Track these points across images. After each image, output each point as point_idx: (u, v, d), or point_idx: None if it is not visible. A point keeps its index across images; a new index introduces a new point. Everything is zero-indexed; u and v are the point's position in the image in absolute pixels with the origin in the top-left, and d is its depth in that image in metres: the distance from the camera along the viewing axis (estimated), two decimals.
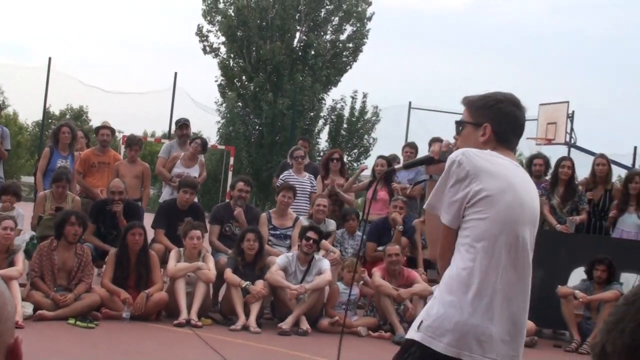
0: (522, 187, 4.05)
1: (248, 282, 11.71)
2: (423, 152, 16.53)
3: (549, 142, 22.26)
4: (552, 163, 14.80)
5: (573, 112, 23.10)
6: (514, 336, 4.05)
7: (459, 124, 4.38)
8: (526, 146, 27.28)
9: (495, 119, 4.21)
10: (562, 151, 21.59)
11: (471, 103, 4.34)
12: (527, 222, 4.04)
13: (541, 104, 22.99)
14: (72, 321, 10.67)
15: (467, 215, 3.94)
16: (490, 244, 3.90)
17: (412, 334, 4.06)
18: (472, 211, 3.92)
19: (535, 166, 14.81)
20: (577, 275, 12.94)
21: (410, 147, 15.74)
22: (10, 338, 1.36)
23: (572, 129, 22.92)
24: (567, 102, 22.57)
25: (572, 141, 22.85)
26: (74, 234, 11.25)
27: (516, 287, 3.98)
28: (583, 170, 15.13)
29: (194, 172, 14.54)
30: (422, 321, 4.05)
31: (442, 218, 4.00)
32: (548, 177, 14.52)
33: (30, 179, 30.77)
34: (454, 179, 3.93)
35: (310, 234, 12.05)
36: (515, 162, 4.20)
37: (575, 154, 21.00)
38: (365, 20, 41.32)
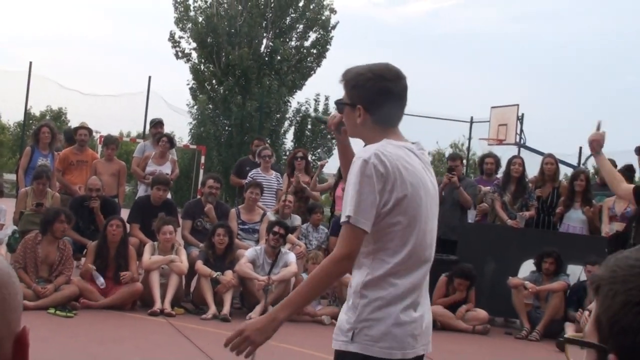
0: (426, 179, 3.80)
1: (218, 273, 11.72)
2: None
3: (500, 142, 22.40)
4: (504, 162, 14.90)
5: (523, 114, 23.30)
6: (428, 323, 3.88)
7: (337, 103, 3.97)
8: (479, 146, 27.47)
9: (368, 99, 3.75)
10: (512, 151, 21.71)
11: (347, 81, 3.86)
12: (434, 214, 3.94)
13: (493, 107, 23.16)
14: (52, 311, 10.62)
15: (384, 219, 3.62)
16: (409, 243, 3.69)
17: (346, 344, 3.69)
18: (389, 215, 3.62)
19: (486, 165, 14.94)
20: (527, 267, 13.01)
21: None
22: (18, 327, 1.35)
23: (521, 130, 23.09)
24: (517, 105, 22.72)
25: (522, 142, 23.00)
26: (62, 230, 11.28)
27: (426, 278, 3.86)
28: (532, 169, 15.22)
29: (166, 169, 14.52)
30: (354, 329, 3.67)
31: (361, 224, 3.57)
32: (499, 175, 14.62)
33: (12, 177, 30.53)
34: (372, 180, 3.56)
35: (277, 228, 12.08)
36: (408, 145, 3.79)
37: (524, 154, 21.10)
38: (330, 28, 41.36)
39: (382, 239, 3.66)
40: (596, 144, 6.10)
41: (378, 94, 3.75)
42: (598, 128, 6.14)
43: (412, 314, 3.69)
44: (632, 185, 6.85)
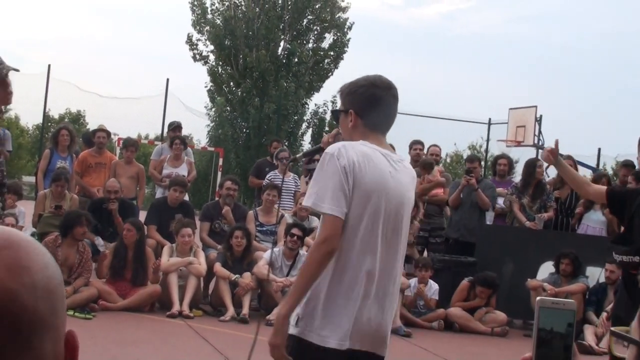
0: (390, 179, 3.98)
1: (237, 276, 11.73)
2: (400, 154, 16.55)
3: (519, 144, 22.31)
4: (522, 164, 14.85)
5: (541, 115, 23.19)
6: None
7: (333, 113, 4.36)
8: (497, 148, 27.38)
9: (358, 104, 4.09)
10: (530, 153, 21.68)
11: (342, 91, 4.25)
12: (392, 211, 4.00)
13: (511, 108, 23.05)
14: (70, 312, 10.63)
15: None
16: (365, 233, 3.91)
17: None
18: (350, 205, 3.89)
19: (499, 166, 14.92)
20: (546, 269, 12.98)
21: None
22: (65, 329, 1.37)
23: (540, 132, 22.99)
24: (535, 106, 22.60)
25: (540, 143, 22.89)
26: (82, 233, 11.34)
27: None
28: (550, 170, 15.16)
29: (182, 171, 14.57)
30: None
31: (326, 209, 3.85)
32: (512, 177, 14.59)
33: (31, 179, 30.67)
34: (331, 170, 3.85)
35: (295, 230, 12.09)
36: (385, 150, 4.06)
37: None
38: (346, 30, 41.35)
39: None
40: (552, 155, 6.16)
41: (368, 100, 4.07)
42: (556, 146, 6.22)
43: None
44: (604, 187, 6.79)
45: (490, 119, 29.44)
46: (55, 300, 1.30)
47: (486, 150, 32.36)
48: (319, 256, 3.86)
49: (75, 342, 1.38)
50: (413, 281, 12.56)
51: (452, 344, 11.66)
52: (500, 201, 14.24)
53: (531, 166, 14.02)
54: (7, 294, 1.22)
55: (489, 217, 14.45)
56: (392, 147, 4.21)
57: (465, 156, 33.50)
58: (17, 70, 5.75)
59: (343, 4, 41.71)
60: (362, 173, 3.86)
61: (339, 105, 4.34)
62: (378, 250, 3.93)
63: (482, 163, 22.44)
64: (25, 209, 13.23)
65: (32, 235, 12.40)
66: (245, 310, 11.50)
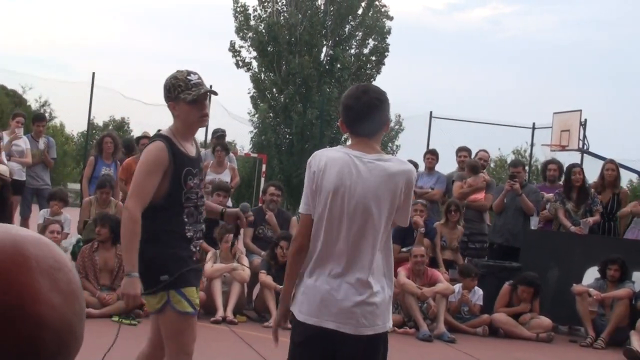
0: (353, 179, 4.43)
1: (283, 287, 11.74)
2: (445, 159, 16.53)
3: (563, 148, 22.15)
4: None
5: (585, 120, 22.97)
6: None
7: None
8: (541, 152, 27.21)
9: (341, 114, 4.60)
10: (575, 157, 21.51)
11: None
12: (357, 207, 4.42)
13: (555, 113, 22.90)
14: (116, 318, 10.70)
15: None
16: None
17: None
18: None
19: (549, 171, 14.82)
20: (591, 274, 12.87)
21: (431, 154, 15.73)
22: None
23: (584, 136, 22.78)
24: (580, 110, 22.44)
25: (585, 147, 22.71)
26: (97, 233, 11.43)
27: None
28: (596, 174, 15.05)
29: (225, 177, 14.59)
30: None
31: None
32: (562, 182, 14.50)
33: (76, 186, 30.91)
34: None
35: None
36: (358, 152, 4.51)
37: (588, 160, 20.90)
38: (386, 35, 41.30)
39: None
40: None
41: (344, 110, 4.58)
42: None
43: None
44: None
45: (534, 124, 29.23)
46: (84, 319, 1.31)
47: (530, 155, 32.19)
48: (291, 251, 4.63)
49: None
50: (457, 287, 12.50)
51: (496, 349, 11.60)
52: (549, 206, 14.15)
53: (569, 171, 13.96)
54: (64, 323, 1.22)
55: (534, 222, 14.36)
56: (379, 148, 4.65)
57: (509, 161, 33.31)
58: (214, 93, 5.96)
59: (386, 10, 41.65)
60: (325, 176, 4.43)
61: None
62: (341, 241, 4.43)
63: (527, 168, 22.32)
64: (71, 215, 13.33)
65: (78, 242, 12.52)
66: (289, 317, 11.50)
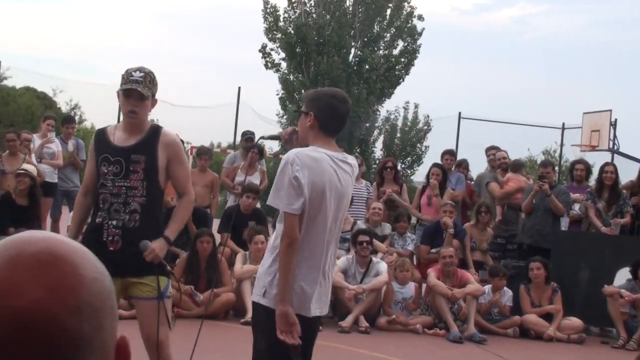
0: (334, 181, 4.88)
1: None
2: (474, 160, 16.50)
3: (593, 148, 22.03)
4: (597, 169, 14.68)
5: (616, 120, 22.83)
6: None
7: (296, 111, 5.47)
8: (571, 152, 27.07)
9: (318, 108, 4.95)
10: (605, 157, 21.34)
11: (306, 96, 5.24)
12: (335, 205, 4.93)
13: (585, 113, 22.76)
14: None
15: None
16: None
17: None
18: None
19: (576, 171, 14.76)
20: (623, 275, 12.77)
21: (450, 155, 15.70)
22: (115, 338, 1.34)
23: (615, 136, 22.64)
24: (610, 110, 22.30)
25: (615, 147, 22.57)
26: None
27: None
28: (626, 175, 14.96)
29: (255, 179, 14.61)
30: None
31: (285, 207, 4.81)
32: (590, 183, 14.43)
33: None
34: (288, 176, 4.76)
35: (362, 237, 12.07)
36: (331, 152, 4.95)
37: (618, 160, 20.73)
38: (417, 36, 41.20)
39: None
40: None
41: (327, 107, 4.96)
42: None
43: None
44: None
45: (564, 124, 29.11)
46: (102, 317, 1.27)
47: (560, 155, 32.03)
48: (283, 249, 4.80)
49: (127, 350, 1.36)
50: (487, 288, 12.47)
51: (527, 351, 11.55)
52: (577, 207, 14.08)
53: (601, 170, 13.90)
54: (47, 317, 1.19)
55: (564, 223, 14.29)
56: (341, 148, 5.17)
57: (538, 161, 33.16)
58: (130, 92, 5.87)
59: (416, 11, 41.56)
60: (312, 176, 4.76)
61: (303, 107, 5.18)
62: (325, 237, 4.93)
63: (556, 168, 22.21)
64: None
65: None
66: None
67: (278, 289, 4.82)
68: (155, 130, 6.03)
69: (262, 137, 6.41)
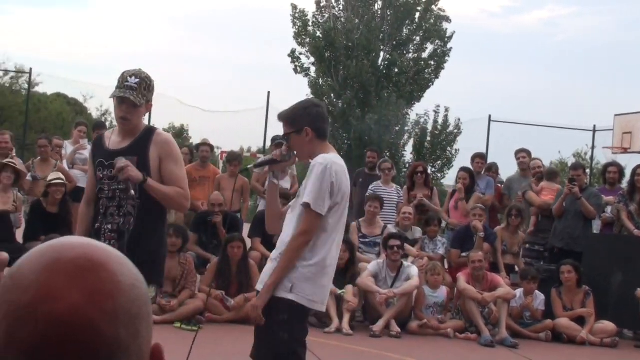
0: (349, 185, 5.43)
1: (342, 291, 11.75)
2: (504, 162, 16.44)
3: (625, 150, 21.92)
4: (628, 171, 14.59)
5: None
6: None
7: (284, 138, 5.46)
8: (602, 155, 26.94)
9: (310, 121, 5.29)
10: (637, 159, 21.20)
11: (286, 117, 5.40)
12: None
13: (616, 115, 22.67)
14: (177, 325, 10.81)
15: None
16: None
17: None
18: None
19: (609, 174, 14.65)
20: None
21: (480, 158, 15.64)
22: (150, 345, 1.35)
23: None
24: None
25: None
26: (172, 245, 11.40)
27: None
28: None
29: (285, 183, 14.60)
30: None
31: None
32: (623, 185, 14.33)
33: None
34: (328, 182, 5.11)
35: (392, 241, 12.05)
36: (335, 152, 5.43)
37: None
38: (446, 39, 41.08)
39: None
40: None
41: (317, 116, 5.33)
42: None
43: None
44: None
45: (595, 126, 28.99)
46: (139, 324, 1.28)
47: (591, 158, 31.88)
48: (296, 246, 5.16)
49: (161, 357, 1.37)
50: (519, 292, 12.41)
51: (560, 355, 11.50)
52: (609, 210, 13.99)
53: (633, 172, 13.79)
54: (84, 322, 1.20)
55: (596, 226, 14.19)
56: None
57: (569, 164, 33.02)
58: (123, 100, 5.76)
59: (445, 14, 41.46)
60: (343, 183, 5.22)
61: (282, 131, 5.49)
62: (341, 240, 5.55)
63: (588, 171, 22.08)
64: None
65: None
66: (345, 324, 11.49)
67: (273, 278, 5.17)
68: (149, 130, 5.93)
69: (255, 165, 6.66)
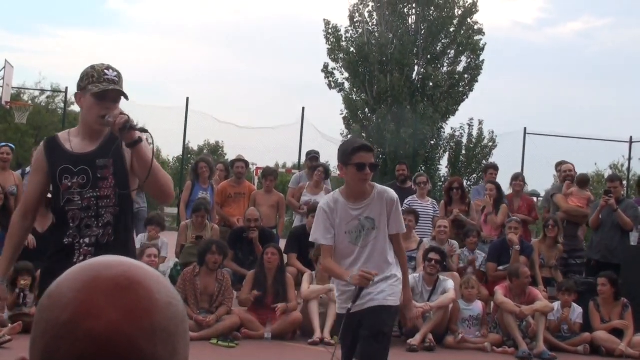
0: None
1: None
2: (539, 175, 16.36)
3: None
4: None
5: None
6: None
7: (373, 167, 6.52)
8: (639, 166, 26.74)
9: (350, 155, 6.36)
10: None
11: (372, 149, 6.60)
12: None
13: None
14: (214, 341, 10.84)
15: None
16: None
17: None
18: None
19: None
20: None
21: (494, 169, 15.80)
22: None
23: None
24: None
25: None
26: (214, 262, 11.46)
27: None
28: None
29: (321, 199, 14.63)
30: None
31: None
32: None
33: (172, 210, 31.29)
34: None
35: (432, 255, 12.03)
36: None
37: None
38: (479, 52, 40.96)
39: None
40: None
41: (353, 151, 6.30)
42: None
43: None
44: None
45: (631, 137, 28.81)
46: (176, 341, 1.30)
47: (628, 169, 31.68)
48: (322, 269, 6.90)
49: None
50: (556, 305, 12.33)
51: None
52: None
53: None
54: (123, 339, 1.22)
55: (633, 238, 14.08)
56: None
57: (606, 176, 32.80)
58: (125, 96, 5.13)
59: (480, 26, 41.34)
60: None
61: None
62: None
63: (624, 182, 21.92)
64: (168, 239, 13.52)
65: (175, 265, 12.69)
66: None
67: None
68: None
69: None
